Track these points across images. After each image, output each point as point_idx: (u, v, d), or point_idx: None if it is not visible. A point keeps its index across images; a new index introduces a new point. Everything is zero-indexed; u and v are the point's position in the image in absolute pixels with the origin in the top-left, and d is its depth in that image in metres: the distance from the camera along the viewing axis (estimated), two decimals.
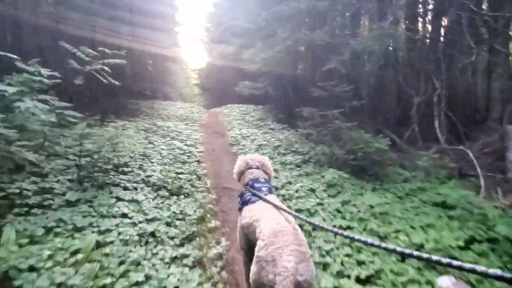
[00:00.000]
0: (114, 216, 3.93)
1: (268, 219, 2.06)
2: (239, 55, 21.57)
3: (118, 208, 4.08)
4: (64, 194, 4.13)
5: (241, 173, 2.84)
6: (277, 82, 11.13)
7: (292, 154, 7.28)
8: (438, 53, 8.91)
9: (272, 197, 2.41)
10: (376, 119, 9.04)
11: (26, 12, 10.28)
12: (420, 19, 9.76)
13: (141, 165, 5.74)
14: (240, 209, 2.52)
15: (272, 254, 1.76)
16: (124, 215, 3.99)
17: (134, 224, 3.86)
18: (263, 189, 2.49)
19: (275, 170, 6.29)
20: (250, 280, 1.92)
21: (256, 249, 1.90)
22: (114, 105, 12.17)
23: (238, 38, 21.98)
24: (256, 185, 2.56)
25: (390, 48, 8.21)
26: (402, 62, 9.09)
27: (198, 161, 6.82)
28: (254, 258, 1.89)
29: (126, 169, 5.40)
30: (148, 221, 4.03)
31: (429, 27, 9.61)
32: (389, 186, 5.88)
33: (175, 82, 32.50)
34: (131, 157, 5.93)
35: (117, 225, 3.73)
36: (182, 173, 5.86)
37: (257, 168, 2.80)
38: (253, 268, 1.88)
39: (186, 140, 7.89)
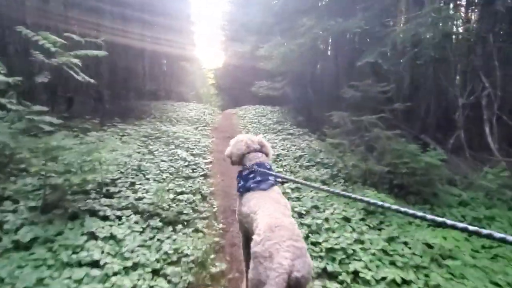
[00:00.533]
0: (80, 264, 2.84)
1: (264, 213, 2.01)
2: (255, 53, 20.52)
3: (88, 251, 2.98)
4: (17, 230, 3.07)
5: (242, 156, 2.68)
6: (296, 81, 9.94)
7: (317, 166, 6.06)
8: (487, 47, 7.50)
9: (276, 189, 2.37)
10: (411, 123, 7.71)
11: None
12: (464, 7, 8.35)
13: (133, 183, 4.65)
14: (239, 191, 2.48)
15: (269, 250, 1.69)
16: (94, 263, 2.88)
17: (106, 277, 2.75)
18: (270, 178, 2.40)
19: (297, 189, 5.10)
20: (248, 276, 1.85)
21: (252, 244, 1.82)
22: (122, 106, 11.25)
23: (253, 35, 20.95)
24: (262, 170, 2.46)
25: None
26: (439, 56, 7.70)
27: (205, 175, 5.69)
28: (251, 253, 1.80)
29: (112, 189, 4.31)
30: (128, 270, 2.91)
31: (474, 16, 8.18)
32: (443, 211, 4.60)
33: (190, 82, 31.63)
34: (121, 172, 4.86)
35: (79, 281, 2.63)
36: (183, 192, 4.74)
37: (259, 150, 2.70)
38: (251, 264, 1.80)
39: (193, 149, 6.78)
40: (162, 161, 5.73)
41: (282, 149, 7.11)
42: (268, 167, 2.53)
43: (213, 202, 4.81)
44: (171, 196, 4.50)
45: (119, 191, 4.33)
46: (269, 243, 1.71)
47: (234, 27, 26.30)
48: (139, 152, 5.96)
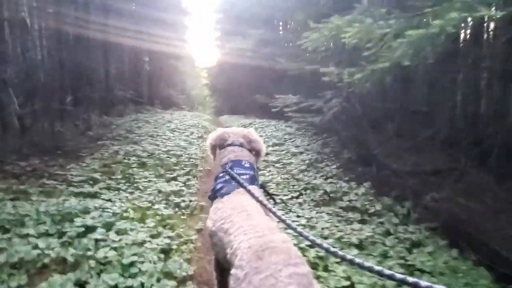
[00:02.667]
0: None
1: (244, 230, 1.26)
2: (259, 50, 16.00)
3: None
4: None
5: (215, 148, 2.09)
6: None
7: None
8: None
9: (252, 188, 1.62)
10: None
11: None
12: None
13: None
14: (210, 198, 1.78)
15: None
16: None
17: None
18: (244, 177, 1.71)
19: None
20: None
21: (233, 281, 1.10)
22: (55, 134, 6.74)
23: (256, 29, 16.48)
24: (236, 169, 1.76)
25: None
26: None
27: None
28: None
29: None
30: None
31: None
32: None
33: (181, 83, 26.82)
34: None
35: None
36: None
37: (241, 145, 1.98)
38: None
39: None
40: None
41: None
42: (247, 165, 1.83)
43: None
44: None
45: None
46: (258, 278, 1.01)
47: (231, 18, 21.74)
48: None
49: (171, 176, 5.29)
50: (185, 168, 5.77)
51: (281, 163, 6.39)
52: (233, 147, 1.96)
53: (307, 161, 6.29)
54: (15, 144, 5.72)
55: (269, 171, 5.96)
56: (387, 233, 3.56)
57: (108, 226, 3.13)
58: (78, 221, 3.11)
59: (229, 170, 1.75)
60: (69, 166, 5.32)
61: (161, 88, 21.16)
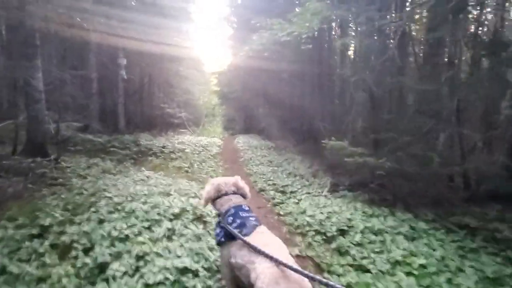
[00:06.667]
0: None
1: (265, 261, 1.58)
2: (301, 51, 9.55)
3: None
4: None
5: (213, 201, 2.26)
6: None
7: None
8: None
9: (263, 229, 1.92)
10: None
11: None
12: None
13: None
14: (220, 243, 2.00)
15: None
16: None
17: None
18: (251, 219, 1.98)
19: None
20: None
21: None
22: None
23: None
24: (241, 213, 2.03)
25: None
26: None
27: None
28: None
29: None
30: None
31: None
32: None
33: (183, 93, 20.19)
34: None
35: None
36: None
37: (234, 193, 2.25)
38: None
39: None
40: None
41: None
42: (247, 208, 2.11)
43: None
44: None
45: None
46: None
47: (246, 12, 15.21)
48: None
49: None
50: None
51: None
52: (229, 196, 2.18)
53: None
54: None
55: None
56: None
57: None
58: None
59: (227, 226, 1.93)
60: None
61: (156, 105, 14.56)
